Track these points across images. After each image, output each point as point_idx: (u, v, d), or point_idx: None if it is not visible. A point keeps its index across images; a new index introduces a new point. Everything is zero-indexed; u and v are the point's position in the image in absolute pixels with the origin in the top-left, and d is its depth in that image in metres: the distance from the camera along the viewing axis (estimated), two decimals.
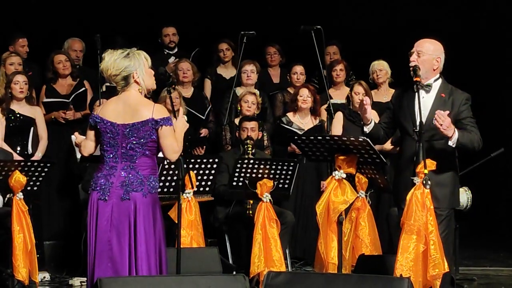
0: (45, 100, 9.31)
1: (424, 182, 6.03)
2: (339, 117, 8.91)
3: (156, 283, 5.37)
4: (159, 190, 6.06)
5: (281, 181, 7.83)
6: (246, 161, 7.83)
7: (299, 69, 9.68)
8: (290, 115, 9.17)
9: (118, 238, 5.56)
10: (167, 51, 10.28)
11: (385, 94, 9.29)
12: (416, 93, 6.19)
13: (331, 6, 11.07)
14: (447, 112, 6.11)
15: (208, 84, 9.99)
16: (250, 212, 8.00)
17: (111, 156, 5.61)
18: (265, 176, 7.76)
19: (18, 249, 7.16)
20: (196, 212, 7.52)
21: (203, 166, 7.71)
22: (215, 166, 7.77)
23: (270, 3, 11.12)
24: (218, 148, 9.11)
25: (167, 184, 7.51)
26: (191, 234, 7.45)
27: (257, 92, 9.24)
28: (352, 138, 6.84)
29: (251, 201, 8.03)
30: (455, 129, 6.13)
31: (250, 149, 8.29)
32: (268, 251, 7.60)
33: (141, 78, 5.64)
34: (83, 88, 9.44)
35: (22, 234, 7.18)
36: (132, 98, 5.64)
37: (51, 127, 8.98)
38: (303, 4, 10.99)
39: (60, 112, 9.22)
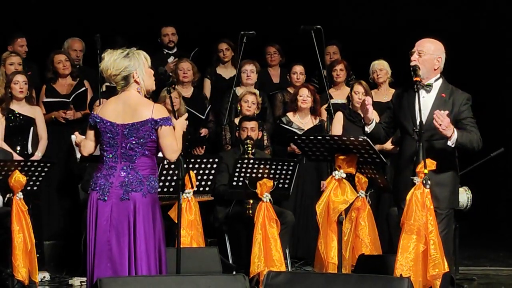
0: (45, 99, 9.31)
1: (424, 181, 6.02)
2: (339, 117, 8.90)
3: (156, 283, 5.37)
4: (159, 190, 6.06)
5: (281, 181, 7.83)
6: (246, 161, 7.83)
7: (299, 69, 9.68)
8: (290, 115, 9.17)
9: (117, 238, 5.55)
10: (166, 51, 10.27)
11: (385, 94, 9.29)
12: (416, 93, 6.19)
13: (331, 6, 11.07)
14: (446, 112, 6.11)
15: (207, 84, 9.99)
16: (250, 212, 8.00)
17: (111, 156, 5.61)
18: (265, 176, 7.76)
19: (18, 249, 7.16)
20: (196, 212, 7.52)
21: (203, 166, 7.71)
22: (215, 166, 7.76)
23: (270, 3, 11.11)
24: (218, 148, 9.11)
25: (167, 184, 7.51)
26: (191, 234, 7.45)
27: (257, 92, 9.24)
28: (352, 138, 6.84)
29: (251, 201, 8.03)
30: (454, 129, 6.13)
31: (250, 149, 8.29)
32: (268, 251, 7.60)
33: (141, 78, 5.64)
34: (84, 88, 9.44)
35: (22, 234, 7.18)
36: (132, 98, 5.63)
37: (51, 127, 8.98)
38: (303, 4, 10.99)
39: (60, 112, 9.22)
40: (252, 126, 8.57)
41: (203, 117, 9.45)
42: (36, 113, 8.75)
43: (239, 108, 9.05)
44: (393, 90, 8.53)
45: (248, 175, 7.78)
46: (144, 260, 5.55)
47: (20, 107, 8.64)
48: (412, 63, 6.32)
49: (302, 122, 9.12)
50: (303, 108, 9.09)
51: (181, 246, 6.40)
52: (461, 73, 8.55)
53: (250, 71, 9.50)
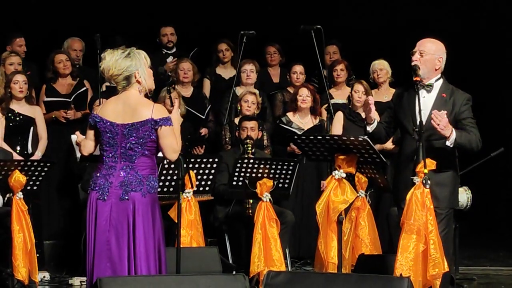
0: (46, 99, 9.31)
1: (424, 181, 6.02)
2: (339, 116, 8.90)
3: (156, 283, 5.36)
4: (159, 189, 6.06)
5: (281, 180, 7.83)
6: (246, 160, 7.83)
7: (298, 68, 9.67)
8: (290, 114, 9.17)
9: (117, 238, 5.55)
10: (165, 50, 10.27)
11: (385, 94, 9.29)
12: (417, 93, 6.19)
13: (331, 6, 11.07)
14: (445, 112, 6.11)
15: (207, 84, 9.99)
16: (250, 211, 7.99)
17: (110, 156, 5.61)
18: (265, 175, 7.76)
19: (18, 248, 7.16)
20: (196, 212, 7.52)
21: (203, 165, 7.71)
22: (215, 165, 7.76)
23: (270, 3, 11.11)
24: (218, 148, 9.11)
25: (167, 183, 7.50)
26: (191, 234, 7.45)
27: (257, 91, 9.24)
28: (352, 138, 6.84)
29: (251, 201, 8.03)
30: (453, 129, 6.13)
31: (250, 148, 8.29)
32: (268, 251, 7.60)
33: (143, 77, 5.63)
34: (84, 88, 9.44)
35: (22, 234, 7.18)
36: (132, 98, 5.63)
37: (51, 127, 8.98)
38: (303, 4, 10.99)
39: (61, 112, 9.21)
40: (252, 126, 8.56)
41: (203, 117, 9.45)
42: (36, 112, 8.75)
43: (239, 108, 9.05)
44: (393, 90, 8.52)
45: (248, 174, 7.78)
46: (144, 260, 5.55)
47: (20, 107, 8.64)
48: (413, 63, 6.32)
49: (302, 122, 9.12)
50: (303, 108, 9.09)
51: (181, 246, 6.40)
52: (461, 73, 8.55)
53: (250, 71, 9.50)
